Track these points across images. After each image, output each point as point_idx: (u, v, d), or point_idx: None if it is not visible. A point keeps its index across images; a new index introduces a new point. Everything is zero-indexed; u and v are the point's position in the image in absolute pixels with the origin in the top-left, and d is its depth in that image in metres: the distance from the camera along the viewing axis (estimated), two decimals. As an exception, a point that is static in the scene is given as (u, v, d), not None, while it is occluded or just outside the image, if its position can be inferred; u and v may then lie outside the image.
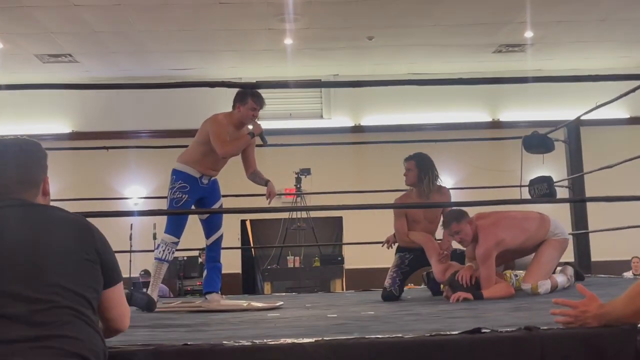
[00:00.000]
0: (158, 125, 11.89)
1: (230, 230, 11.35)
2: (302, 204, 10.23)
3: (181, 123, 10.83)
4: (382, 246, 5.17)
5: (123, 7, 8.70)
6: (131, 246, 9.21)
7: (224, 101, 11.97)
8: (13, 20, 8.96)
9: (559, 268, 4.86)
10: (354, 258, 10.81)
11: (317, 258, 9.94)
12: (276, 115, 12.15)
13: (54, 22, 9.20)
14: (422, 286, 6.40)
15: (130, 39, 10.11)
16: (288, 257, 9.77)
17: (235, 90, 4.96)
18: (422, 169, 4.90)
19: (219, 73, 11.99)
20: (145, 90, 11.91)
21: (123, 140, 11.20)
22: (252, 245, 12.30)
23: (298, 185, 10.63)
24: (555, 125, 6.32)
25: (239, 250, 11.59)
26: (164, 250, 4.60)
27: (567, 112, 10.68)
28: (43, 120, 11.79)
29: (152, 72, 11.70)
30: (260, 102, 4.96)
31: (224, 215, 11.30)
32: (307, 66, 11.65)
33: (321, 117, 12.41)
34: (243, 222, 12.17)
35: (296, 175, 10.57)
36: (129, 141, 11.33)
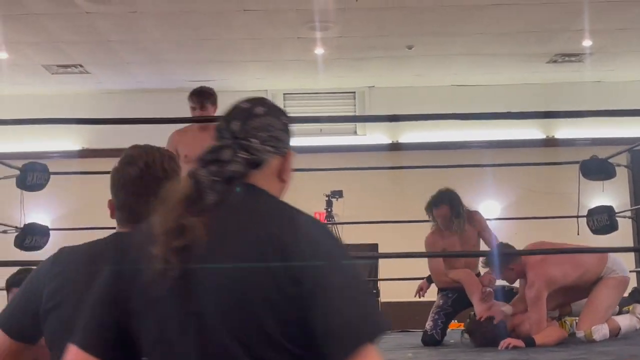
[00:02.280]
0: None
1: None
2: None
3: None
4: (415, 296, 5.17)
5: (138, 14, 8.82)
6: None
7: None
8: (19, 28, 9.13)
9: (624, 308, 4.79)
10: (390, 290, 10.77)
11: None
12: (305, 131, 12.19)
13: (64, 30, 9.35)
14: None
15: (145, 49, 10.23)
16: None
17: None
18: (454, 210, 4.91)
19: (243, 85, 12.08)
20: (162, 103, 12.06)
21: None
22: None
23: (329, 209, 10.64)
24: (616, 143, 6.28)
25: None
26: None
27: (631, 130, 10.57)
28: (50, 136, 11.91)
29: (169, 83, 11.81)
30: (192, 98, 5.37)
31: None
32: (339, 77, 11.70)
33: (355, 133, 12.42)
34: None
35: (327, 198, 10.58)
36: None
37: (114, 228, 2.17)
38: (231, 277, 1.49)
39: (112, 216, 2.12)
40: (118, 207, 2.10)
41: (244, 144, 1.66)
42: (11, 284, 3.75)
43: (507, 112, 8.18)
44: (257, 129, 1.69)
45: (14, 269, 3.88)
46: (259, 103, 1.76)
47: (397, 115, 5.10)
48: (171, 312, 1.51)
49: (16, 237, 5.67)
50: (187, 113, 12.05)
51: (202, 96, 5.45)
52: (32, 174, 5.78)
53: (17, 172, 5.84)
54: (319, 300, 1.45)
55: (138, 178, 2.05)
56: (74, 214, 10.63)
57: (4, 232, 6.39)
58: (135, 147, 2.15)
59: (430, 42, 10.17)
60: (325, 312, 1.45)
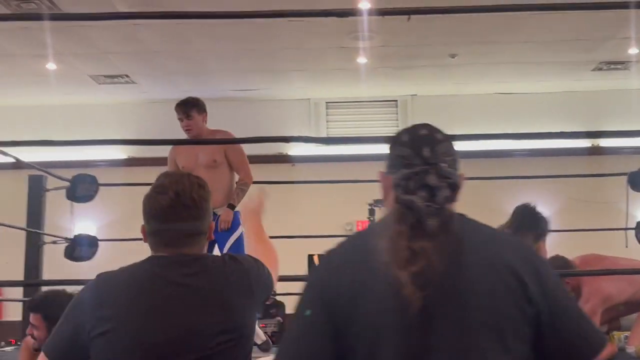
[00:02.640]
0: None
1: (296, 265, 11.51)
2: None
3: (249, 146, 10.94)
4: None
5: (184, 25, 8.94)
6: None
7: (293, 119, 12.23)
8: (68, 40, 9.31)
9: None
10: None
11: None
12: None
13: (111, 41, 9.52)
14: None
15: (190, 59, 10.38)
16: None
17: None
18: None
19: (285, 94, 12.19)
20: (210, 111, 12.15)
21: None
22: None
23: (371, 218, 10.66)
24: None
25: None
26: None
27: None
28: (97, 145, 12.07)
29: (213, 93, 11.91)
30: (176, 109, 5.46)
31: (291, 250, 11.39)
32: (382, 86, 11.73)
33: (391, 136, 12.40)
34: (310, 257, 12.24)
35: (369, 207, 10.61)
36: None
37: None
38: (473, 301, 1.57)
39: (145, 241, 2.23)
40: (150, 233, 2.20)
41: (439, 169, 1.71)
42: (32, 308, 3.69)
43: (559, 132, 8.11)
44: (444, 154, 1.74)
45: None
46: (434, 129, 1.81)
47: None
48: (409, 335, 1.57)
49: (66, 247, 5.79)
50: (232, 121, 12.20)
51: (186, 106, 5.52)
52: (82, 186, 5.91)
53: (67, 183, 5.96)
54: (558, 318, 1.60)
55: (169, 207, 2.16)
56: (121, 223, 10.77)
57: (54, 242, 6.53)
58: (167, 176, 2.27)
59: (474, 50, 10.15)
60: (567, 327, 1.62)
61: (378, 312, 1.59)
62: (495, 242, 1.70)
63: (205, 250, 2.27)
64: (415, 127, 1.82)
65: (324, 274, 1.72)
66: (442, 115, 12.17)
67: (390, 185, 1.76)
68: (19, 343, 9.68)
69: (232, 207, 5.33)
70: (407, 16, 2.55)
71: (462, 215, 1.73)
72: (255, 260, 2.34)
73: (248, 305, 2.17)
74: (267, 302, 10.42)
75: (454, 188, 1.71)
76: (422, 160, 1.71)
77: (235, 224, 5.23)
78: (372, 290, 1.60)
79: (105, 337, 2.01)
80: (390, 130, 12.39)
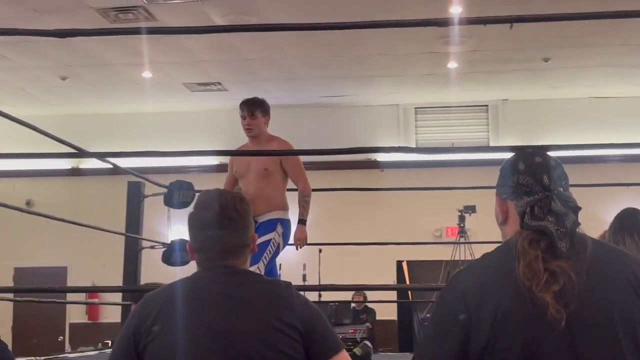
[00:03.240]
0: (309, 157, 12.13)
1: (385, 272, 11.54)
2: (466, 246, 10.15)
3: (335, 155, 11.03)
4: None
5: (275, 33, 9.08)
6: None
7: (381, 125, 12.24)
8: (163, 49, 9.58)
9: None
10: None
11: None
12: (437, 145, 12.21)
13: (204, 50, 9.75)
14: None
15: (280, 66, 10.53)
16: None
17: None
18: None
19: (374, 99, 12.22)
20: (298, 118, 12.34)
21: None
22: (410, 296, 12.30)
23: (461, 225, 10.58)
24: None
25: (394, 295, 11.61)
26: None
27: None
28: (191, 155, 12.31)
29: (303, 99, 12.10)
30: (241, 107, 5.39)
31: (379, 256, 11.41)
32: (472, 91, 11.64)
33: (488, 145, 12.27)
34: (399, 263, 12.23)
35: (459, 213, 10.53)
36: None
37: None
38: (613, 312, 1.70)
39: (191, 258, 2.29)
40: (196, 249, 2.25)
41: (559, 194, 1.84)
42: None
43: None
44: (559, 178, 1.87)
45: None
46: (546, 155, 1.93)
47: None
48: (558, 349, 1.69)
49: (163, 252, 5.94)
50: (321, 127, 12.33)
51: (253, 105, 5.39)
52: (179, 192, 6.05)
53: (165, 190, 6.11)
54: None
55: (213, 220, 2.21)
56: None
57: (152, 247, 6.71)
58: (209, 192, 2.32)
59: (568, 54, 9.97)
60: None
61: (527, 331, 1.70)
62: (619, 256, 1.83)
63: (249, 263, 2.30)
64: (529, 155, 1.93)
65: (459, 295, 1.80)
66: (534, 120, 12.00)
67: (510, 211, 1.90)
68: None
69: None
70: (509, 24, 2.47)
71: (584, 235, 1.84)
72: (311, 308, 2.26)
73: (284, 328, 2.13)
74: (358, 308, 10.48)
75: (577, 211, 1.84)
76: (542, 187, 1.84)
77: (269, 228, 5.21)
78: (518, 311, 1.70)
79: (154, 348, 2.09)
80: (481, 135, 12.28)
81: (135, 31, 5.41)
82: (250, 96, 12.05)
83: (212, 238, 2.22)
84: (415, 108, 12.47)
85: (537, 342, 1.69)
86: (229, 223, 2.21)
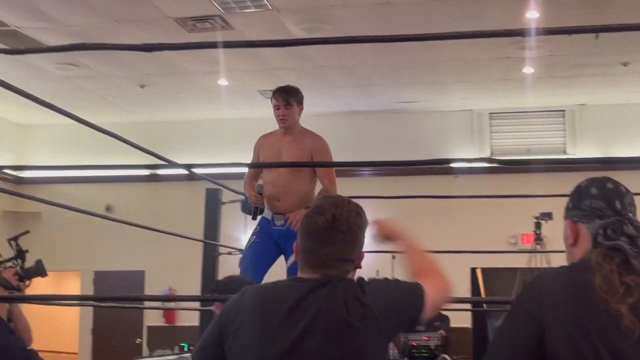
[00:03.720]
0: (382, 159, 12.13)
1: (459, 279, 11.43)
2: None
3: (408, 157, 10.99)
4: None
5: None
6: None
7: (455, 130, 12.17)
8: (238, 57, 9.74)
9: None
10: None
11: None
12: (512, 150, 12.06)
13: (279, 58, 9.88)
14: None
15: (354, 73, 10.58)
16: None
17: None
18: None
19: (447, 104, 12.17)
20: (371, 124, 12.38)
21: (344, 179, 11.61)
22: (483, 296, 12.21)
23: (537, 232, 10.45)
24: None
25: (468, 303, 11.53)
26: None
27: None
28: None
29: (376, 105, 12.13)
30: (275, 96, 5.03)
31: (453, 263, 11.27)
32: (549, 95, 11.48)
33: (564, 152, 12.08)
34: (473, 270, 12.13)
35: (535, 220, 10.40)
36: (350, 180, 11.72)
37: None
38: None
39: (296, 257, 2.28)
40: (301, 251, 2.24)
41: (630, 219, 1.97)
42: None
43: None
44: (630, 204, 2.01)
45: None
46: (617, 182, 2.06)
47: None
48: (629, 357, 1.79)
49: (240, 259, 6.03)
50: (395, 133, 12.32)
51: (289, 94, 4.98)
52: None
53: (242, 197, 6.21)
54: None
55: (324, 229, 2.19)
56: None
57: (229, 253, 6.82)
58: (327, 198, 2.33)
59: (648, 58, 9.77)
60: None
61: (602, 340, 1.79)
62: None
63: (351, 276, 2.25)
64: (601, 180, 2.06)
65: (536, 299, 1.90)
66: (613, 125, 11.76)
67: (581, 233, 2.02)
68: (190, 348, 10.17)
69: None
70: (595, 34, 2.46)
71: None
72: (402, 285, 2.31)
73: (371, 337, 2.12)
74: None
75: None
76: (614, 211, 1.96)
77: None
78: (594, 322, 1.80)
79: (236, 347, 2.12)
80: (558, 141, 12.10)
81: (210, 45, 5.51)
82: (325, 103, 12.13)
83: (318, 245, 2.21)
84: (490, 113, 12.36)
85: (612, 351, 1.77)
86: (338, 235, 2.20)
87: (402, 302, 2.21)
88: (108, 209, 12.50)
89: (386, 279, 2.31)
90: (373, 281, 2.23)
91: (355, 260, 2.24)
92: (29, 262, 4.37)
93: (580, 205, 2.03)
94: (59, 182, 12.48)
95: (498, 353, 1.94)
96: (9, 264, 4.36)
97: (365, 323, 2.07)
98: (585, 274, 1.86)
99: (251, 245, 4.88)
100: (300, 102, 5.11)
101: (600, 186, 2.02)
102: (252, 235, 4.99)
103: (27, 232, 4.64)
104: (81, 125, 4.33)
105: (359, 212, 2.26)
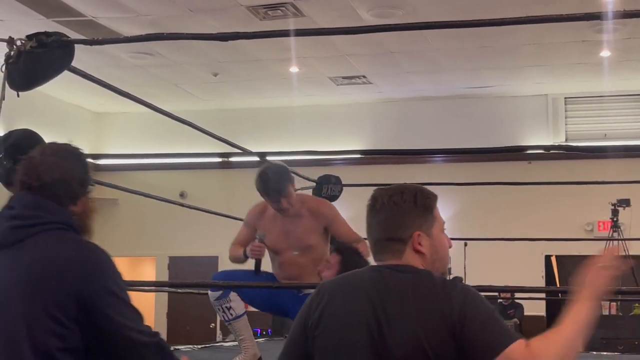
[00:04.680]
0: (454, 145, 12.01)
1: (533, 266, 11.31)
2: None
3: (481, 143, 10.82)
4: None
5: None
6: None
7: (528, 116, 11.97)
8: (310, 44, 9.78)
9: None
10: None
11: (637, 305, 9.46)
12: (588, 136, 11.83)
13: (349, 44, 9.87)
14: None
15: (425, 58, 10.50)
16: (602, 302, 9.43)
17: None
18: None
19: (522, 89, 11.98)
20: (442, 110, 12.29)
21: (417, 165, 11.58)
22: (558, 284, 12.02)
23: (614, 219, 10.23)
24: None
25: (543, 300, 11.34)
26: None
27: None
28: (334, 143, 12.45)
29: (448, 91, 12.02)
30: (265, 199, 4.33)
31: (527, 250, 11.15)
32: (627, 79, 11.20)
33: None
34: (548, 257, 11.95)
35: (612, 207, 10.19)
36: (421, 166, 11.67)
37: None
38: None
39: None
40: (370, 242, 2.20)
41: None
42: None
43: None
44: None
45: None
46: None
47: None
48: None
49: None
50: (467, 119, 12.20)
51: (276, 194, 4.29)
52: (327, 186, 6.19)
53: (313, 184, 6.26)
54: None
55: (369, 209, 2.16)
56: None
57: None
58: (380, 189, 2.23)
59: None
60: None
61: None
62: None
63: (413, 261, 2.12)
64: None
65: None
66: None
67: None
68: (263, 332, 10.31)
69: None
70: None
71: None
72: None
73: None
74: (505, 303, 10.35)
75: None
76: None
77: None
78: None
79: (322, 335, 2.09)
80: (636, 126, 11.80)
81: (287, 33, 5.56)
82: (395, 89, 11.95)
83: (373, 234, 2.16)
84: (565, 98, 12.12)
85: None
86: (381, 212, 2.13)
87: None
88: (182, 195, 12.71)
89: (486, 305, 2.05)
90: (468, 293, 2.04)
91: (405, 239, 2.11)
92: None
93: None
94: (135, 169, 12.74)
95: None
96: None
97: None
98: None
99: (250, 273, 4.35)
100: (290, 185, 4.36)
101: None
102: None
103: None
104: (156, 113, 4.44)
105: (402, 191, 2.15)
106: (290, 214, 4.35)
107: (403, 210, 2.11)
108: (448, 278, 2.10)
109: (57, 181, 2.17)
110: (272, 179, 4.30)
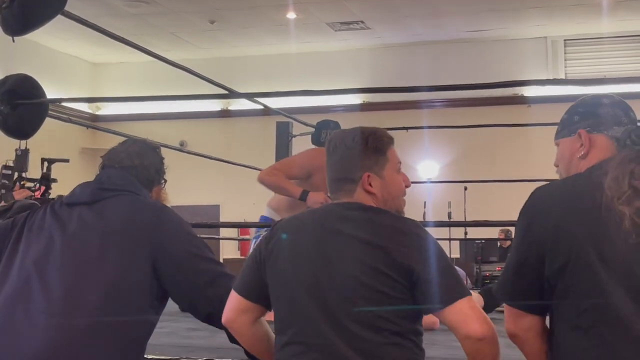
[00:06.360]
0: (455, 93, 11.98)
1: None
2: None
3: (482, 90, 10.82)
4: None
5: (419, -32, 8.99)
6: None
7: (528, 59, 11.89)
8: (307, -11, 9.68)
9: None
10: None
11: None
12: (587, 77, 11.74)
13: (347, -12, 9.78)
14: None
15: (424, 2, 10.39)
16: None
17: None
18: None
19: (520, 32, 11.87)
20: (441, 54, 12.20)
21: (416, 110, 11.55)
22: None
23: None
24: None
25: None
26: None
27: None
28: (335, 94, 12.37)
29: (447, 35, 11.92)
30: None
31: (526, 192, 11.23)
32: (626, 20, 11.09)
33: (644, 77, 11.70)
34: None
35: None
36: (423, 111, 11.64)
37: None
38: None
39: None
40: (327, 182, 2.31)
41: None
42: None
43: None
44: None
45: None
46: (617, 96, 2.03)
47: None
48: (624, 257, 1.76)
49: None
50: (466, 63, 12.11)
51: None
52: (326, 132, 6.18)
53: (312, 129, 6.26)
54: None
55: (326, 151, 2.28)
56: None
57: (301, 184, 6.89)
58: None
59: None
60: None
61: (595, 236, 1.77)
62: None
63: (364, 200, 2.20)
64: (604, 94, 2.04)
65: (540, 202, 1.92)
66: (695, 49, 11.33)
67: (598, 141, 1.97)
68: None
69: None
70: None
71: None
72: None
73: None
74: (504, 245, 10.39)
75: None
76: (629, 120, 1.95)
77: None
78: (596, 219, 1.78)
79: (270, 270, 2.17)
80: (636, 67, 11.70)
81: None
82: (393, 33, 11.84)
83: (326, 168, 2.26)
84: (565, 40, 12.03)
85: (604, 247, 1.75)
86: (335, 153, 2.23)
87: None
88: (182, 144, 12.69)
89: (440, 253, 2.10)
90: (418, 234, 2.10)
91: (356, 180, 2.19)
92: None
93: (595, 113, 2.00)
94: (134, 119, 12.71)
95: (504, 277, 1.96)
96: (31, 185, 4.04)
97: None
98: (598, 177, 1.83)
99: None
100: None
101: (609, 97, 2.00)
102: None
103: (67, 160, 4.44)
104: (153, 62, 4.41)
105: (355, 134, 2.23)
106: None
107: (354, 153, 2.19)
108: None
109: (137, 166, 2.56)
110: None
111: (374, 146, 2.21)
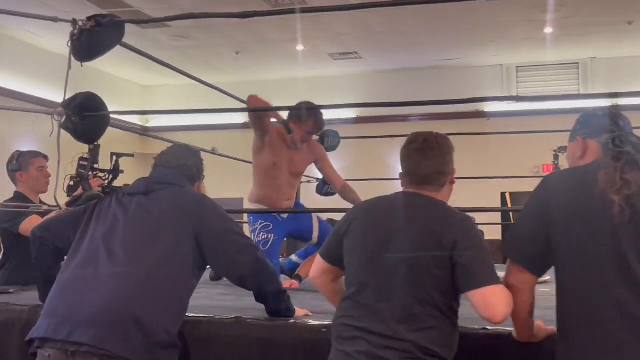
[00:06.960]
0: (429, 108, 11.90)
1: (491, 201, 11.33)
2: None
3: (451, 107, 10.77)
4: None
5: (402, 9, 8.95)
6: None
7: (488, 82, 11.89)
8: (312, 26, 9.67)
9: None
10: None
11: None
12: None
13: (344, 25, 9.77)
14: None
15: (405, 35, 10.37)
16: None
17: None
18: None
19: (482, 60, 11.86)
20: (419, 78, 12.18)
21: (399, 122, 11.54)
22: (512, 220, 12.05)
23: (556, 162, 10.19)
24: None
25: (499, 218, 11.40)
26: None
27: None
28: (332, 109, 12.30)
29: (424, 62, 11.91)
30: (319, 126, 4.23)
31: (486, 188, 11.11)
32: (565, 51, 11.08)
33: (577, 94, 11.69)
34: (503, 194, 11.98)
35: (554, 153, 10.14)
36: (402, 124, 11.62)
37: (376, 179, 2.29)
38: None
39: (402, 184, 2.27)
40: (405, 173, 2.24)
41: (631, 134, 1.97)
42: None
43: None
44: (629, 125, 2.00)
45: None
46: (613, 108, 2.05)
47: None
48: (613, 236, 1.79)
49: (317, 186, 6.11)
50: (438, 86, 12.09)
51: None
52: (328, 139, 6.19)
53: (317, 137, 6.24)
54: None
55: (418, 149, 2.20)
56: (350, 169, 11.12)
57: (308, 181, 6.88)
58: (415, 133, 2.31)
59: (649, 17, 9.29)
60: None
61: (594, 220, 1.81)
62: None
63: (445, 193, 2.21)
64: (603, 107, 2.05)
65: (544, 191, 1.93)
66: (620, 75, 11.31)
67: (590, 147, 2.02)
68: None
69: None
70: None
71: None
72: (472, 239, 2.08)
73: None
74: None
75: None
76: (618, 128, 1.94)
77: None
78: (591, 207, 1.83)
79: (347, 240, 2.18)
80: (573, 89, 11.72)
81: (291, 11, 5.56)
82: (381, 62, 11.82)
83: (415, 164, 2.20)
84: (517, 67, 12.02)
85: (599, 229, 1.79)
86: (430, 152, 2.19)
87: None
88: (214, 149, 12.67)
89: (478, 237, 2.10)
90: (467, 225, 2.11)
91: (449, 174, 2.22)
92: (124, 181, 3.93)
93: (589, 123, 2.04)
94: (176, 130, 12.71)
95: (513, 239, 1.97)
96: (103, 174, 4.04)
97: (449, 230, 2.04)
98: (593, 171, 1.85)
99: (273, 243, 4.27)
100: (293, 119, 4.44)
101: (604, 110, 2.02)
102: (264, 232, 4.37)
103: (132, 155, 4.49)
104: (191, 84, 4.43)
105: (445, 137, 2.26)
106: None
107: (449, 151, 2.24)
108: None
109: (182, 165, 2.58)
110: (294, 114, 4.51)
111: (452, 147, 2.28)
